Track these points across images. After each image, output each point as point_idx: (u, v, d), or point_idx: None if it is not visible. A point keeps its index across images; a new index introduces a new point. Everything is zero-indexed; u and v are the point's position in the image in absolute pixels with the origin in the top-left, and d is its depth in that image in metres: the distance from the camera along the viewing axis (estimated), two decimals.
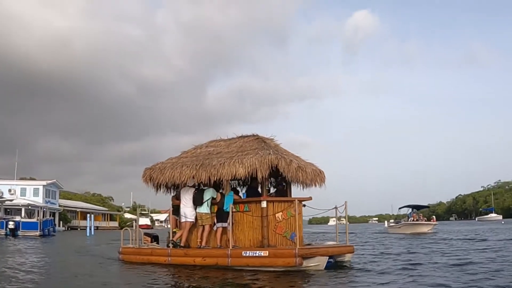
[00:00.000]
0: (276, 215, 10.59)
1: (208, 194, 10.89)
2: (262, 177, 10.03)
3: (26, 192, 55.85)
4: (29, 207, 50.73)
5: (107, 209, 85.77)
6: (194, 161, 11.09)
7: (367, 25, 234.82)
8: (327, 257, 9.82)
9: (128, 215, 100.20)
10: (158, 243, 12.88)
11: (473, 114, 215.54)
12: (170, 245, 10.95)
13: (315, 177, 11.07)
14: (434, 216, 43.87)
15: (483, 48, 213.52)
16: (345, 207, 11.17)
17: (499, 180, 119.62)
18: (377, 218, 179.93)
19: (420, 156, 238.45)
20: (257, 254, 9.44)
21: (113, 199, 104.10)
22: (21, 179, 62.47)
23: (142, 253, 11.34)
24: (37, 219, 42.07)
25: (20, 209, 48.66)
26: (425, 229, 35.04)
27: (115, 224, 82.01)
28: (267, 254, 9.40)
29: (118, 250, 12.13)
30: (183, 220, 11.04)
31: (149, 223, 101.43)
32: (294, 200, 10.70)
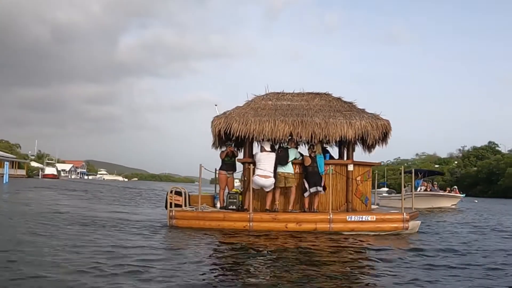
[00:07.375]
0: (357, 178, 10.63)
1: (293, 153, 10.16)
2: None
3: None
4: None
5: (15, 156, 78.93)
6: (281, 114, 10.33)
7: None
8: (420, 221, 10.31)
9: (34, 164, 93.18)
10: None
11: (384, 89, 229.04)
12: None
13: None
14: (456, 187, 31.03)
15: (403, 28, 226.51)
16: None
17: (399, 157, 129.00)
18: None
19: None
20: (363, 219, 9.34)
21: (20, 147, 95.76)
22: None
23: (210, 218, 9.66)
24: None
25: None
26: (448, 203, 25.10)
27: (22, 172, 76.70)
28: (374, 219, 9.38)
29: (170, 214, 9.75)
30: (256, 187, 9.88)
31: (55, 172, 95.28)
32: (377, 164, 11.34)
